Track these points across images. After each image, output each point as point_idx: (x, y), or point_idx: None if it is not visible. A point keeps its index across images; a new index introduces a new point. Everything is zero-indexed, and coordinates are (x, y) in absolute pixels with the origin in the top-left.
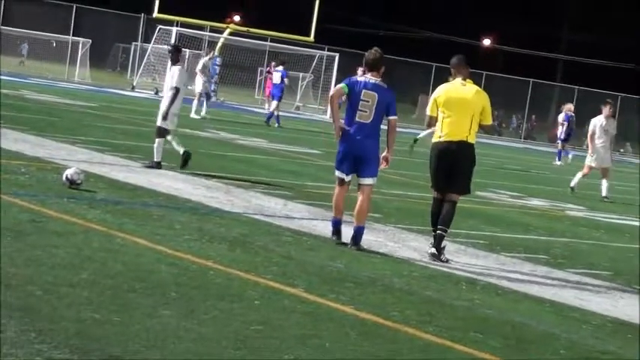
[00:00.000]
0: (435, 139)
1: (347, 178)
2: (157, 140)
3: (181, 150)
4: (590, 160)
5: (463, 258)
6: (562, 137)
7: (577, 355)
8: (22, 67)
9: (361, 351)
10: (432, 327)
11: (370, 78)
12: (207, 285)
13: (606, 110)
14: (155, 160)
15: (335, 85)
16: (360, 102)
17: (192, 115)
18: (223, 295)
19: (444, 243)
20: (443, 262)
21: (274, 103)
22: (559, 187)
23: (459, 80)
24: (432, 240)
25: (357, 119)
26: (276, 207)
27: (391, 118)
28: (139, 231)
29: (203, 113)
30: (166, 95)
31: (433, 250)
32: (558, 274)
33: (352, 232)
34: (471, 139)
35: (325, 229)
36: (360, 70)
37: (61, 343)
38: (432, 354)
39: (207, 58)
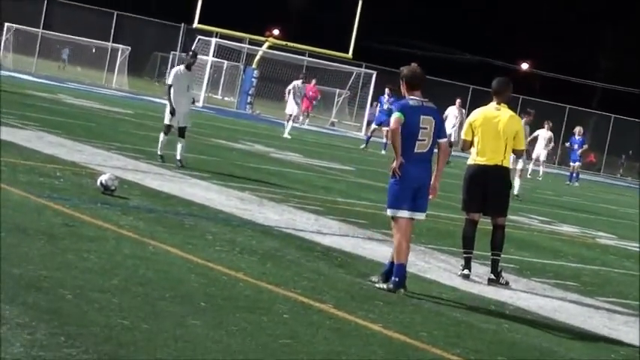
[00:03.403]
0: (470, 162)
1: (409, 215)
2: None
3: (160, 152)
4: (523, 165)
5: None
6: (574, 158)
7: None
8: (62, 72)
9: None
10: (460, 349)
11: (423, 101)
12: (236, 297)
13: (547, 126)
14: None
15: (372, 104)
16: (420, 130)
17: (285, 135)
18: (252, 307)
19: (500, 267)
20: (502, 284)
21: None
22: (591, 214)
23: (493, 104)
24: (462, 262)
25: (416, 150)
26: (308, 222)
27: (443, 141)
28: (171, 240)
29: (286, 134)
30: None
31: (491, 275)
32: (588, 301)
33: (397, 272)
34: (506, 163)
35: (356, 245)
36: (387, 90)
37: (89, 347)
38: None
39: (299, 81)
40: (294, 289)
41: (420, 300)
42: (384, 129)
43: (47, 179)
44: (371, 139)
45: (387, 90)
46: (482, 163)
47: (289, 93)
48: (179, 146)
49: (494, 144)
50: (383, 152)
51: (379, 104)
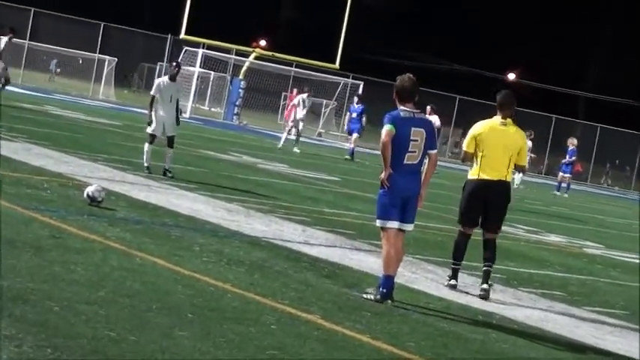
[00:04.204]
0: (472, 176)
1: (398, 226)
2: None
3: (145, 163)
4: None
5: (478, 291)
6: (565, 169)
7: None
8: (51, 83)
9: None
10: (448, 358)
11: (414, 112)
12: (224, 308)
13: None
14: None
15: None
16: (410, 142)
17: (295, 149)
18: (240, 318)
19: (491, 280)
20: (485, 296)
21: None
22: (578, 223)
23: (498, 118)
24: (450, 273)
25: (405, 161)
26: (295, 232)
27: (433, 152)
28: (158, 251)
29: (280, 144)
30: None
31: (485, 286)
32: (574, 311)
33: (384, 284)
34: (509, 178)
35: (344, 256)
36: (356, 98)
37: (79, 358)
38: None
39: (305, 95)
40: (281, 300)
41: (408, 310)
42: (354, 136)
43: (34, 191)
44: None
45: (355, 98)
46: (486, 177)
47: (296, 106)
48: (167, 156)
49: (499, 159)
50: (347, 157)
51: (350, 113)
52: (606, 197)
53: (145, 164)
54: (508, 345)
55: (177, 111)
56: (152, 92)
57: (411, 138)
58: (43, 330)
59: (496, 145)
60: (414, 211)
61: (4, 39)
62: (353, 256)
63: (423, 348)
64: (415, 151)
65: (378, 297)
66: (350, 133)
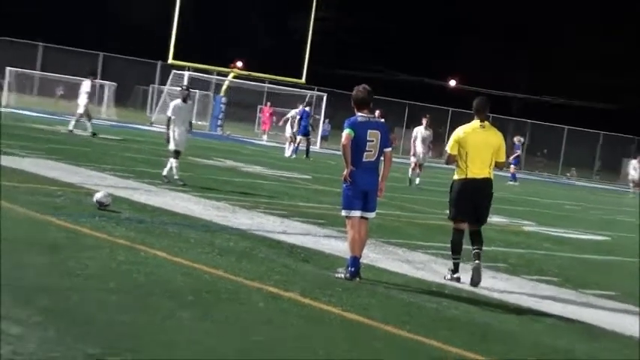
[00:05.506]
0: (459, 176)
1: (360, 214)
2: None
3: (175, 174)
4: (413, 160)
5: (434, 266)
6: (513, 162)
7: (533, 351)
8: (57, 106)
9: (345, 347)
10: (409, 325)
11: (369, 116)
12: (218, 291)
13: (425, 121)
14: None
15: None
16: (367, 143)
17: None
18: (232, 299)
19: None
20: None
21: (298, 137)
22: (517, 206)
23: (477, 122)
24: (451, 267)
25: (364, 159)
26: (275, 224)
27: (388, 150)
28: (159, 245)
29: (287, 154)
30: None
31: (477, 261)
32: (516, 279)
33: (352, 263)
34: (491, 175)
35: (317, 242)
36: (301, 106)
37: (94, 340)
38: (408, 349)
39: (297, 110)
40: (267, 282)
41: (373, 285)
42: (300, 137)
43: (50, 198)
44: (310, 148)
45: (300, 106)
46: (473, 176)
47: (289, 121)
48: (174, 166)
49: (483, 158)
50: (292, 155)
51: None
52: (538, 182)
53: (175, 177)
54: (459, 311)
55: (190, 125)
56: (169, 114)
57: (368, 139)
58: (64, 317)
59: (478, 146)
60: (375, 202)
61: (88, 82)
62: (324, 242)
63: (388, 317)
64: (372, 150)
65: (348, 275)
66: (303, 134)
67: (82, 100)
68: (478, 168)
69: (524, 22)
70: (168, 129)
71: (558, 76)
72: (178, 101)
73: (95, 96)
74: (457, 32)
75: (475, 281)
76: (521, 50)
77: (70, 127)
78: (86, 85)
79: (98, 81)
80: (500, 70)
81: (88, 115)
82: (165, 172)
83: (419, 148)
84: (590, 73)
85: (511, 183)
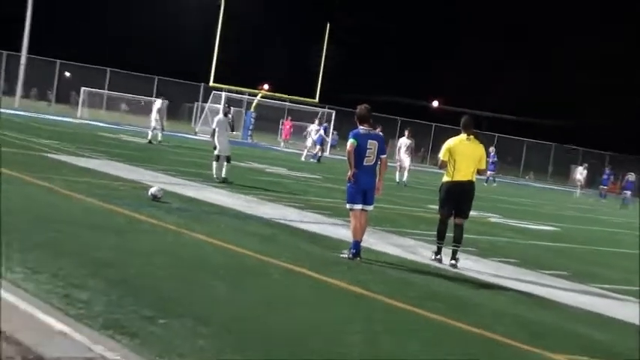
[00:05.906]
0: (447, 179)
1: (361, 207)
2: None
3: (215, 174)
4: (398, 164)
5: (420, 250)
6: (490, 168)
7: (502, 320)
8: (122, 119)
9: (345, 311)
10: (401, 296)
11: (369, 130)
12: (244, 266)
13: (407, 133)
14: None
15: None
16: (367, 150)
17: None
18: (255, 272)
19: (458, 255)
20: (454, 267)
21: (317, 147)
22: (485, 202)
23: (464, 136)
24: (435, 249)
25: (364, 163)
26: (293, 214)
27: (383, 156)
28: (200, 229)
29: (303, 158)
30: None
31: (453, 261)
32: (484, 261)
33: (354, 246)
34: (474, 179)
35: (326, 229)
36: (317, 122)
37: (148, 303)
38: (399, 315)
39: (315, 124)
40: (283, 260)
41: (372, 264)
42: (319, 146)
43: (114, 191)
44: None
45: (316, 121)
46: (458, 179)
47: (309, 133)
48: (224, 168)
49: (467, 165)
50: (315, 160)
51: (319, 131)
52: (503, 184)
53: (215, 175)
54: (442, 288)
55: (232, 127)
56: (213, 126)
57: (368, 147)
58: (124, 286)
59: (464, 155)
60: (373, 197)
61: (159, 101)
62: (332, 229)
63: (384, 290)
64: (371, 156)
65: (350, 256)
66: (319, 143)
67: (154, 115)
68: (463, 173)
69: (502, 55)
70: (213, 138)
71: (519, 98)
72: (220, 116)
73: (155, 111)
74: (443, 57)
75: (453, 264)
76: (498, 74)
77: (149, 138)
78: (158, 103)
79: (153, 98)
80: (474, 93)
81: (162, 126)
82: (215, 175)
83: (402, 155)
84: (542, 96)
85: (486, 185)
